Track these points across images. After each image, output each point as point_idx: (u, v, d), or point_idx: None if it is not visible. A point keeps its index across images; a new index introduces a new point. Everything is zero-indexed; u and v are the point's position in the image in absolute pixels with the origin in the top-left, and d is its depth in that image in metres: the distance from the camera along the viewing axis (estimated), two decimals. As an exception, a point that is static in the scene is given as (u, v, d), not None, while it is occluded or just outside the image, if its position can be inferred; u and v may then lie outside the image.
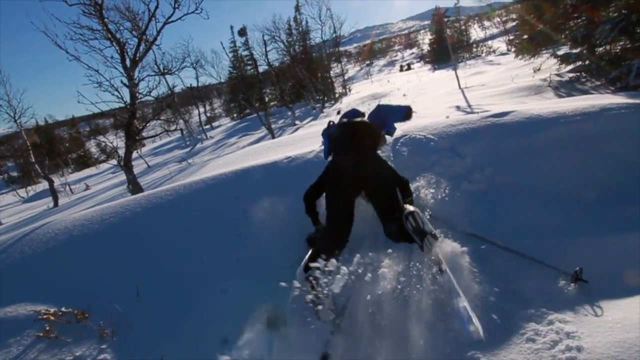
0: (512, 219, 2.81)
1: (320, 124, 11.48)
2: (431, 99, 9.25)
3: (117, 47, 7.18)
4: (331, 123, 3.44)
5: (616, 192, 2.91)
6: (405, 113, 3.43)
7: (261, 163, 3.90)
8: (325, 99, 19.40)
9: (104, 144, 21.53)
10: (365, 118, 3.30)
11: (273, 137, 10.71)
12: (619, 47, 6.96)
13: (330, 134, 3.23)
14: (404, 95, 12.41)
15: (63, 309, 2.50)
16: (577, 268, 2.08)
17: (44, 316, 2.44)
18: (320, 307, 2.00)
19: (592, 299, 2.04)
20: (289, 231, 3.02)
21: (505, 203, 2.96)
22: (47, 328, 2.37)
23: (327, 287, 2.00)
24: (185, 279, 2.70)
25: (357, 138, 2.98)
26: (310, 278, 2.02)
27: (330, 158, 3.20)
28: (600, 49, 7.14)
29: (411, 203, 2.69)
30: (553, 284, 2.20)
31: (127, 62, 7.22)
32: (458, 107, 6.99)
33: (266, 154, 5.07)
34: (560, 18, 8.01)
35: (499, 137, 3.47)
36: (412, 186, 3.18)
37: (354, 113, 3.38)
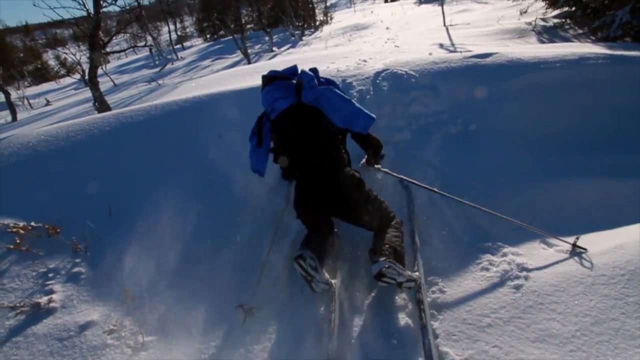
0: (484, 161, 2.92)
1: (299, 52, 10.99)
2: (415, 35, 8.94)
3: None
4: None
5: (591, 138, 3.07)
6: (367, 124, 2.25)
7: (238, 88, 3.76)
8: (306, 25, 18.35)
9: (64, 56, 19.82)
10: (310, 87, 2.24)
11: (249, 63, 10.20)
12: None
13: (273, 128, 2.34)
14: (387, 28, 11.92)
15: (33, 224, 2.48)
16: (575, 237, 2.08)
17: (13, 229, 2.42)
18: (313, 283, 1.92)
19: (551, 232, 2.22)
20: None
21: (480, 145, 3.05)
22: (18, 241, 2.36)
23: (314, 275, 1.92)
24: (157, 200, 2.69)
25: (314, 150, 2.22)
26: (299, 264, 1.90)
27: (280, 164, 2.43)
28: (589, -6, 7.01)
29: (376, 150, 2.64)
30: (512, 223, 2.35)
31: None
32: (441, 45, 6.83)
33: (242, 79, 4.86)
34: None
35: (479, 79, 3.47)
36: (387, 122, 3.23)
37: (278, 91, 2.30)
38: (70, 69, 20.70)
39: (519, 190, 2.66)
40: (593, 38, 6.78)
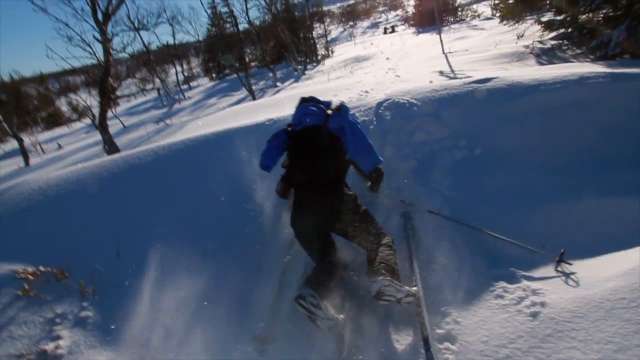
0: (491, 184, 2.90)
1: (303, 86, 11.26)
2: (415, 63, 9.15)
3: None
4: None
5: (594, 159, 3.03)
6: (374, 164, 2.43)
7: (243, 125, 3.84)
8: (308, 60, 18.91)
9: (75, 102, 20.56)
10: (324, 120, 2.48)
11: (254, 99, 10.47)
12: (601, 15, 6.97)
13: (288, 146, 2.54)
14: (387, 58, 12.23)
15: (41, 268, 2.48)
16: (562, 250, 2.10)
17: (22, 275, 2.42)
18: (318, 321, 1.89)
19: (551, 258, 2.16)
20: (271, 193, 3.03)
21: (486, 169, 3.04)
22: (26, 287, 2.35)
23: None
24: (166, 239, 2.69)
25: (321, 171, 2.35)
26: (299, 304, 1.91)
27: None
28: (584, 16, 7.14)
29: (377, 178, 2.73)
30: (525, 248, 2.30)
31: (100, 16, 6.77)
32: (441, 72, 6.96)
33: (248, 115, 4.97)
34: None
35: (481, 103, 3.50)
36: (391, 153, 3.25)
37: (312, 112, 2.53)
38: (81, 114, 21.39)
39: (529, 212, 2.62)
40: (592, 57, 6.84)
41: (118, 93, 7.92)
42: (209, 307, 2.30)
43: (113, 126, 8.85)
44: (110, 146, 6.33)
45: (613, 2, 6.51)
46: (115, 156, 3.81)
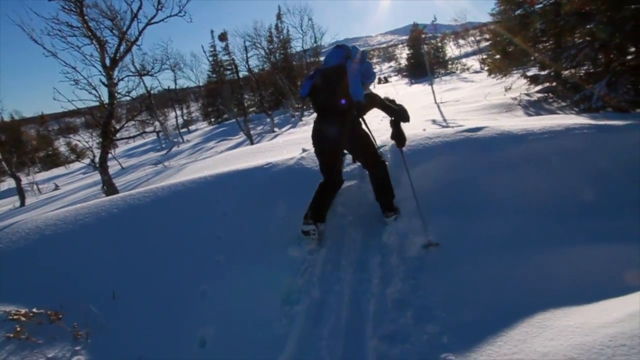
0: (484, 230, 2.94)
1: (300, 132, 11.55)
2: (408, 112, 9.50)
3: (97, 46, 7.04)
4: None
5: (581, 206, 3.11)
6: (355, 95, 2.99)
7: (242, 168, 3.93)
8: (305, 107, 19.52)
9: (74, 143, 20.78)
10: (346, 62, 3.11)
11: (252, 143, 10.69)
12: (583, 71, 7.42)
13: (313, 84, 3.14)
14: (382, 107, 12.69)
15: (35, 310, 2.44)
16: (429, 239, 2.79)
17: (14, 317, 2.38)
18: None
19: (556, 305, 2.17)
20: (269, 236, 3.06)
21: (479, 215, 3.10)
22: (18, 329, 2.30)
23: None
24: (164, 281, 2.68)
25: (335, 97, 2.99)
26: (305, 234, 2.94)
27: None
28: (566, 72, 7.58)
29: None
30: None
31: (107, 61, 7.09)
32: (434, 121, 7.24)
33: (246, 158, 5.09)
34: (530, 41, 8.46)
35: (472, 151, 3.63)
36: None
37: (334, 54, 3.19)
38: (79, 155, 21.57)
39: (521, 259, 2.64)
40: (577, 109, 7.18)
41: (118, 135, 8.06)
42: (203, 353, 2.26)
43: (111, 167, 8.92)
44: (109, 187, 6.38)
45: (593, 59, 6.95)
46: (115, 196, 3.85)
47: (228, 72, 29.49)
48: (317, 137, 3.15)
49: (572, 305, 2.13)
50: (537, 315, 2.17)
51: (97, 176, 8.05)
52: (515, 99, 8.63)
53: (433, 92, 10.68)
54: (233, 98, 23.14)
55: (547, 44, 8.32)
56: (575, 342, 1.88)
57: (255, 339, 2.34)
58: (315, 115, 3.26)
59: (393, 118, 3.32)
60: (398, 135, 3.34)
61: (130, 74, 9.26)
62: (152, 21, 8.24)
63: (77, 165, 18.03)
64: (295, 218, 3.15)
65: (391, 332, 2.18)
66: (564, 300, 2.17)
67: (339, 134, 3.01)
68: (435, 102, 10.27)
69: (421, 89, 15.95)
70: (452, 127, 5.27)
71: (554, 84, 8.20)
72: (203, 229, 3.21)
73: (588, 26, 6.63)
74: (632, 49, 6.56)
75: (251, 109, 26.03)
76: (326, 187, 3.18)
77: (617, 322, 1.90)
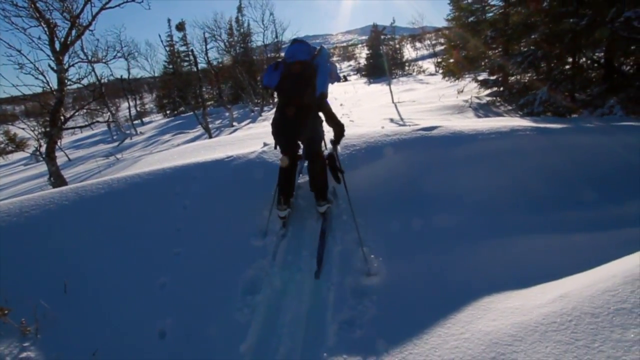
0: (438, 222, 3.14)
1: (259, 127, 11.47)
2: (367, 110, 9.76)
3: (45, 28, 6.58)
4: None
5: (523, 200, 3.40)
6: (318, 92, 3.08)
7: (202, 160, 3.88)
8: (264, 102, 19.37)
9: (13, 132, 19.25)
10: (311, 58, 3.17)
11: (210, 137, 10.48)
12: (527, 78, 8.01)
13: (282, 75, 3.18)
14: (341, 105, 12.88)
15: (-23, 305, 2.30)
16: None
17: (-45, 313, 2.23)
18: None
19: (500, 289, 2.37)
20: (230, 227, 3.06)
21: (431, 209, 3.28)
22: (-41, 325, 2.16)
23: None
24: (120, 274, 2.61)
25: (300, 89, 3.07)
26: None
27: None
28: (512, 78, 8.14)
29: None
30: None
31: (57, 46, 6.64)
32: (392, 120, 7.49)
33: (205, 152, 5.01)
34: (481, 47, 8.99)
35: (428, 149, 3.83)
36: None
37: (299, 49, 3.20)
38: (19, 145, 20.01)
39: (471, 249, 2.86)
40: (520, 113, 7.73)
41: (67, 125, 7.58)
42: (163, 344, 2.24)
43: (57, 159, 8.41)
44: (57, 178, 6.01)
45: (536, 67, 7.51)
46: (65, 188, 3.67)
47: (185, 64, 28.60)
48: (279, 125, 3.21)
49: (513, 289, 2.34)
50: (482, 299, 2.37)
51: (40, 168, 7.56)
52: (466, 101, 9.13)
53: (391, 92, 11.02)
54: (190, 90, 22.54)
55: (496, 51, 8.88)
56: (515, 322, 2.08)
57: (217, 328, 2.35)
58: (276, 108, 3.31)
59: (334, 139, 3.35)
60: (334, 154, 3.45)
61: (81, 60, 8.72)
62: (107, 6, 7.82)
63: (16, 156, 16.75)
64: (257, 210, 3.18)
65: (350, 317, 2.29)
66: (507, 284, 2.37)
67: (301, 126, 3.11)
68: (393, 102, 10.60)
69: (379, 88, 16.36)
70: (409, 125, 5.50)
71: (501, 88, 8.77)
72: (161, 221, 3.14)
73: (533, 36, 7.17)
74: (570, 59, 7.17)
75: (209, 103, 25.41)
76: (286, 170, 3.23)
77: (549, 303, 2.13)
